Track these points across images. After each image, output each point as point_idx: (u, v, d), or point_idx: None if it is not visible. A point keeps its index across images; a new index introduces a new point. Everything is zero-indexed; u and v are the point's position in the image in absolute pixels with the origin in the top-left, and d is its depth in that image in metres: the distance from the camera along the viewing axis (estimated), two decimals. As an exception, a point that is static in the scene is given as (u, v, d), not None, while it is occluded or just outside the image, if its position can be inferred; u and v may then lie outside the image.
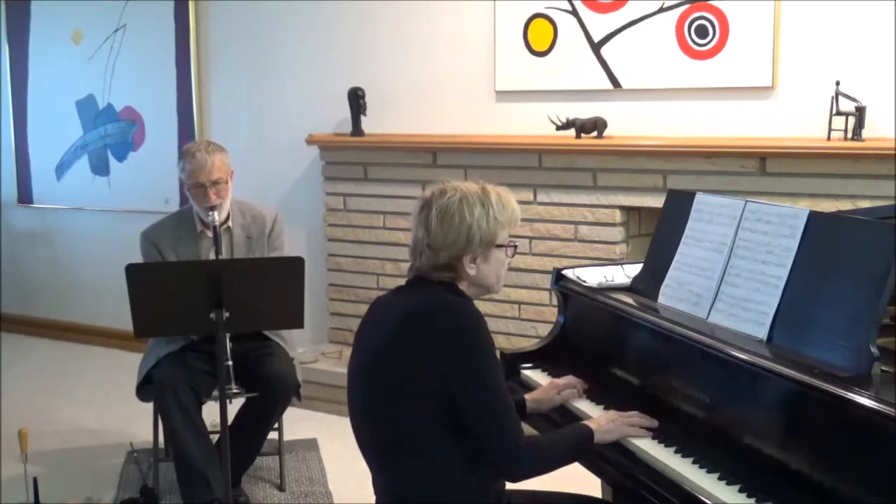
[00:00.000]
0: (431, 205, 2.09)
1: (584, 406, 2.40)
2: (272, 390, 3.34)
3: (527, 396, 2.41)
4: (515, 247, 2.16)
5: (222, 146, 3.47)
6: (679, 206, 2.50)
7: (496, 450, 1.99)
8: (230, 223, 3.49)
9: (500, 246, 2.10)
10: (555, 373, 2.61)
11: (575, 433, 2.14)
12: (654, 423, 2.19)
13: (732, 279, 2.21)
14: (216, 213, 3.33)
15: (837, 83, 3.50)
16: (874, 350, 1.83)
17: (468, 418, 1.97)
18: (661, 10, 3.89)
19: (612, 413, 2.23)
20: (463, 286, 2.10)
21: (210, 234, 3.36)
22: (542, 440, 2.11)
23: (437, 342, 1.97)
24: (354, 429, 2.15)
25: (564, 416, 2.41)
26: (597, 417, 2.24)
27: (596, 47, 4.05)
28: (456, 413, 1.97)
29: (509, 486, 2.16)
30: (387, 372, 2.02)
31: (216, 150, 3.42)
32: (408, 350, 2.00)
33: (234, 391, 3.14)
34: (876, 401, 1.67)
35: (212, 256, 3.33)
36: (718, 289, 2.25)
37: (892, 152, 3.34)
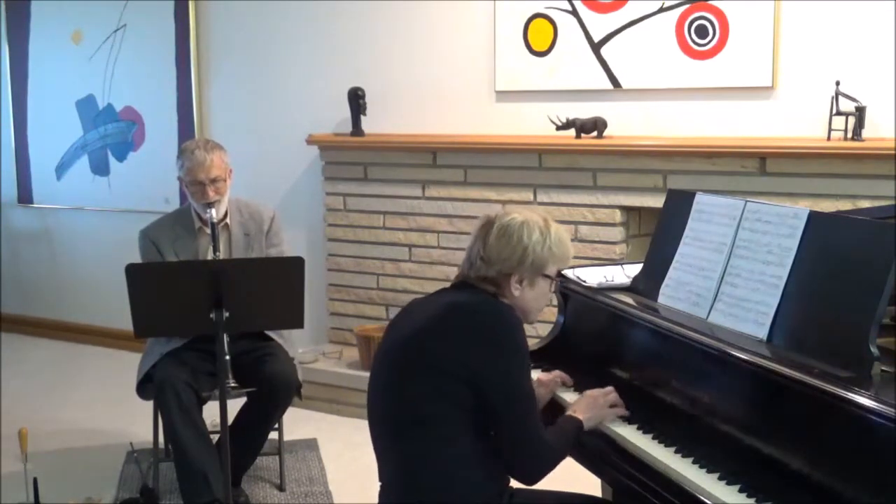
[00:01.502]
0: (494, 222, 2.18)
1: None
2: (273, 390, 3.33)
3: None
4: (561, 282, 2.23)
5: (220, 144, 3.48)
6: (679, 206, 2.50)
7: (521, 455, 2.06)
8: (228, 220, 3.50)
9: (546, 276, 2.18)
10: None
11: (571, 427, 2.20)
12: (620, 401, 2.27)
13: (732, 279, 2.21)
14: (214, 210, 3.34)
15: (837, 83, 3.50)
16: (874, 350, 1.83)
17: (495, 420, 2.04)
18: (661, 10, 3.89)
19: (589, 398, 2.27)
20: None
21: (208, 230, 3.37)
22: (553, 442, 2.14)
23: (472, 336, 2.04)
24: (371, 406, 2.18)
25: (552, 409, 2.42)
26: (577, 405, 2.27)
27: (596, 47, 4.05)
28: (478, 403, 2.02)
29: (512, 483, 2.17)
30: (417, 350, 2.07)
31: (214, 147, 3.42)
32: (441, 336, 2.06)
33: (232, 385, 3.14)
34: (876, 401, 1.67)
35: (210, 253, 3.33)
36: (718, 289, 2.25)
37: (892, 152, 3.34)
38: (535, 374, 2.58)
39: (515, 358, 2.05)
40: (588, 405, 2.25)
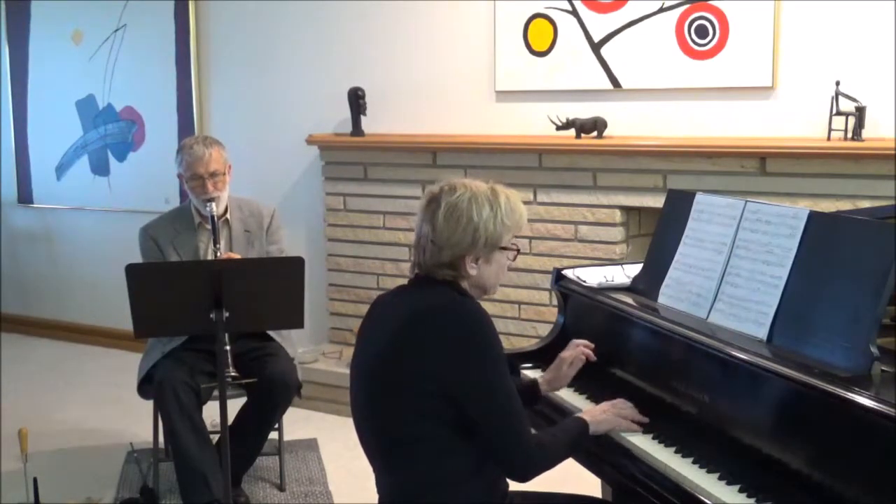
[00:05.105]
0: (440, 201, 2.05)
1: (581, 404, 2.40)
2: (273, 390, 3.33)
3: (539, 379, 2.41)
4: (518, 250, 2.13)
5: (219, 140, 3.52)
6: (679, 206, 2.50)
7: (508, 453, 1.99)
8: (228, 216, 3.51)
9: (503, 248, 2.08)
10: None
11: (574, 427, 2.15)
12: (646, 420, 2.20)
13: (732, 279, 2.21)
14: (214, 204, 3.36)
15: (837, 83, 3.50)
16: (874, 350, 1.83)
17: (477, 422, 1.97)
18: (661, 10, 3.89)
19: (605, 404, 2.24)
20: (464, 285, 2.09)
21: (208, 225, 3.39)
22: (547, 439, 2.10)
23: (442, 345, 1.95)
24: (357, 427, 2.13)
25: (558, 411, 2.42)
26: (589, 409, 2.25)
27: (596, 47, 4.05)
28: (461, 414, 1.96)
29: (511, 485, 2.16)
30: (390, 373, 2.00)
31: (213, 142, 3.47)
32: (412, 351, 1.98)
33: (232, 374, 3.13)
34: (876, 401, 1.67)
35: (210, 248, 3.34)
36: (718, 289, 2.24)
37: (892, 152, 3.34)
38: (537, 373, 2.60)
39: (487, 359, 1.95)
40: (600, 410, 2.20)
